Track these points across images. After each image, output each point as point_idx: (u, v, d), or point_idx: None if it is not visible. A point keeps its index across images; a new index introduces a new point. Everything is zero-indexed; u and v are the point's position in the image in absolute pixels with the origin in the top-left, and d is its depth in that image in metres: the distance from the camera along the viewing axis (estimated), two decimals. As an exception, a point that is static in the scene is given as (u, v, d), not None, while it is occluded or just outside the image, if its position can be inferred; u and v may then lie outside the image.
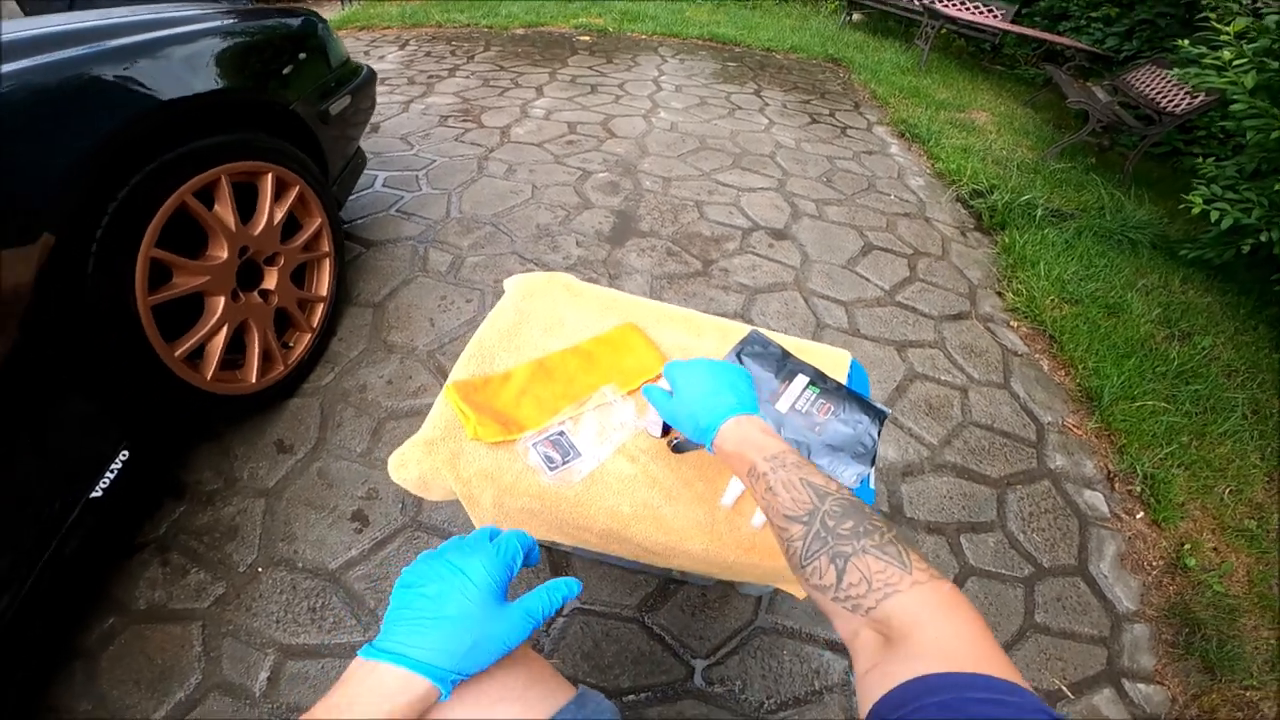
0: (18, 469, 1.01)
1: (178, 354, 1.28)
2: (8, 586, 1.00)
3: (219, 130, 1.38)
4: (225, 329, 1.40)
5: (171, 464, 1.48)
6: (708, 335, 1.10)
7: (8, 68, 0.99)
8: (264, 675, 1.16)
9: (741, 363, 0.99)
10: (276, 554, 1.33)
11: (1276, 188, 2.40)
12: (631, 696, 1.17)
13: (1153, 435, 1.82)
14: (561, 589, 0.56)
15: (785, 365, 0.98)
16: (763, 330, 1.06)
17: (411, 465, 0.92)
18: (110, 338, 1.16)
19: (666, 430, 0.90)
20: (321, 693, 1.08)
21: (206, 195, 1.34)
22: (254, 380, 1.49)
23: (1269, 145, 2.50)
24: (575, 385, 0.96)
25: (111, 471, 1.17)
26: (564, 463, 0.85)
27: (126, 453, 1.20)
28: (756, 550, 0.82)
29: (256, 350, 1.50)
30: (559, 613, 1.28)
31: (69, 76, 1.06)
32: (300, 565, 1.32)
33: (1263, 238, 2.46)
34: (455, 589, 0.50)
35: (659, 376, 1.02)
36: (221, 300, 1.38)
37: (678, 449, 0.88)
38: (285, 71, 1.62)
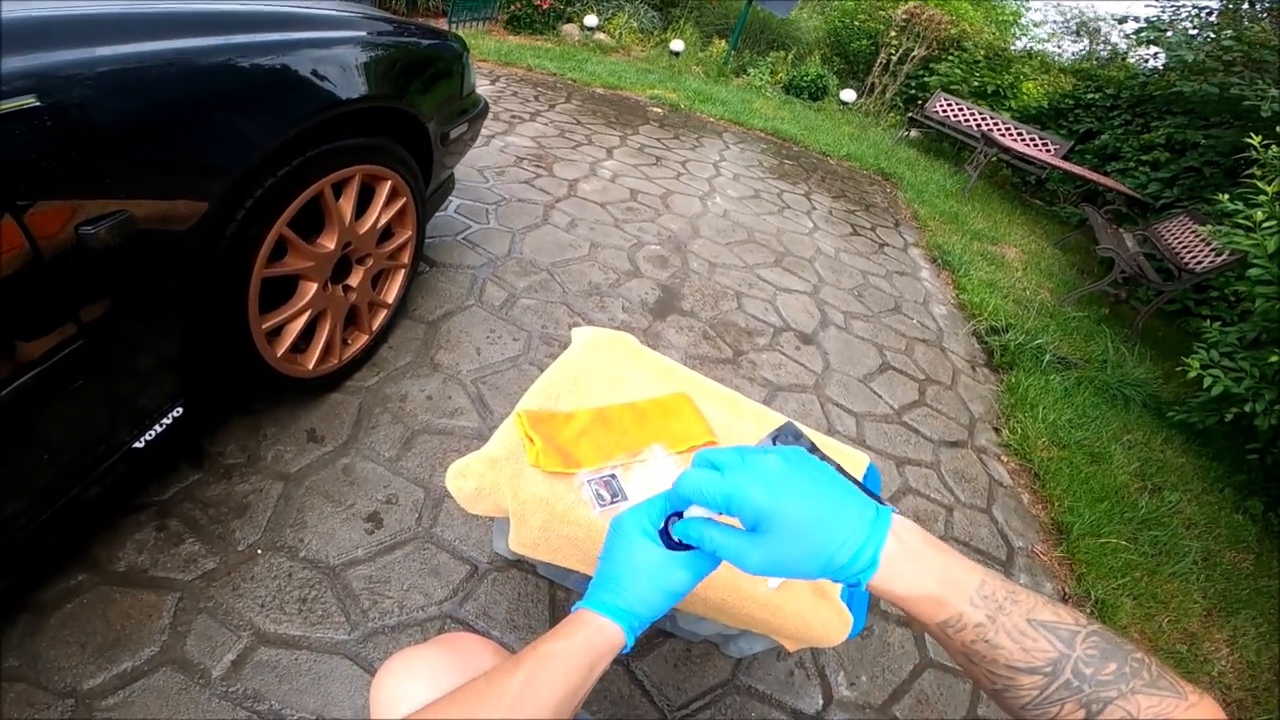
0: (82, 400, 0.97)
1: (265, 326, 1.34)
2: (26, 518, 0.94)
3: (358, 132, 1.45)
4: (308, 313, 1.46)
5: (199, 431, 1.46)
6: (746, 418, 1.23)
7: (236, 40, 1.05)
8: (230, 658, 1.12)
9: (775, 449, 1.11)
10: (281, 539, 1.32)
11: (1271, 359, 2.34)
12: (602, 734, 1.21)
13: (1110, 568, 1.97)
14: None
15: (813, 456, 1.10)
16: (796, 422, 1.20)
17: (471, 477, 1.02)
18: (218, 297, 1.20)
19: None
20: (288, 685, 1.14)
21: (335, 188, 1.40)
22: (310, 367, 1.53)
23: (1274, 315, 2.44)
24: (629, 438, 1.08)
25: (160, 425, 1.14)
26: (613, 502, 0.96)
27: (180, 409, 1.18)
28: (768, 608, 0.93)
29: (324, 339, 1.55)
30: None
31: (278, 62, 1.14)
32: (302, 554, 1.30)
33: (1247, 408, 2.45)
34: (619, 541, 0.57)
35: (708, 443, 1.11)
36: (314, 286, 1.44)
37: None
38: (429, 89, 1.72)
